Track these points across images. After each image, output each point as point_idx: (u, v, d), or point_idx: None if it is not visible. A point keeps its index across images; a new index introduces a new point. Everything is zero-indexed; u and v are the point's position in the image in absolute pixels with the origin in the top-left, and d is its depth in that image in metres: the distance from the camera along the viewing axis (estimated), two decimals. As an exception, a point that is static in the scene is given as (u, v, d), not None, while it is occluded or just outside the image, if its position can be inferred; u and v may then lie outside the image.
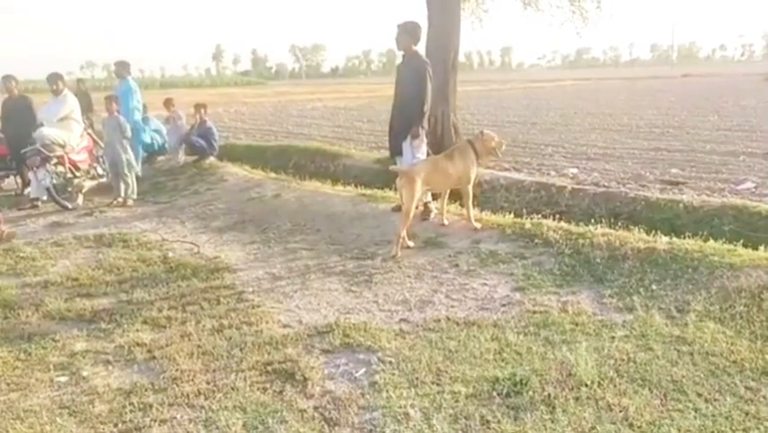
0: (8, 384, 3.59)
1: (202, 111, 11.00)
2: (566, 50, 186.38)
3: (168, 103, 11.70)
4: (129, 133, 8.75)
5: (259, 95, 49.62)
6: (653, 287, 4.62)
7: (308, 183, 8.61)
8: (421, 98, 6.44)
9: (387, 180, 8.99)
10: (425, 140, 6.64)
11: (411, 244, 5.93)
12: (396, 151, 6.81)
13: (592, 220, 6.35)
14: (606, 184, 9.17)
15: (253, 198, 8.30)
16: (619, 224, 6.27)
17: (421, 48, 7.21)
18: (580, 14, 10.39)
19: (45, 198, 8.58)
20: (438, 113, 9.82)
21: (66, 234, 7.17)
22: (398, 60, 7.08)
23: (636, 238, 5.43)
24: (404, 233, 5.83)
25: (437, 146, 9.39)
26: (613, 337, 3.92)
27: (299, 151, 12.45)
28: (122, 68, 10.41)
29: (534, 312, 4.37)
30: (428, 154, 6.71)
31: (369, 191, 7.80)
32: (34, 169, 8.31)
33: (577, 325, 4.13)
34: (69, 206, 8.44)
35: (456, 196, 6.62)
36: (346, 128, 19.89)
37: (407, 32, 6.56)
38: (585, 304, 4.49)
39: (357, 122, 21.38)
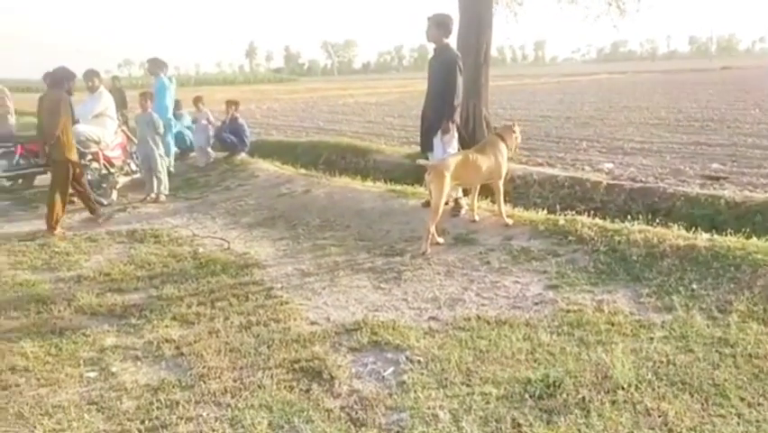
0: (38, 379, 3.62)
1: (233, 108, 11.03)
2: (601, 43, 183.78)
3: (197, 101, 11.68)
4: (161, 130, 8.83)
5: (291, 91, 49.86)
6: (694, 286, 4.45)
7: (338, 179, 8.56)
8: (451, 92, 6.33)
9: (418, 176, 8.88)
10: (455, 135, 6.53)
11: (441, 240, 5.83)
12: (427, 146, 6.71)
13: (628, 217, 6.16)
14: (643, 179, 8.93)
15: (283, 193, 8.29)
16: (657, 220, 6.06)
17: (453, 41, 7.08)
18: (617, 6, 10.07)
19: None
20: (470, 107, 9.69)
21: (100, 229, 7.26)
22: (431, 55, 6.96)
23: (675, 235, 5.24)
24: (433, 229, 5.74)
25: (469, 141, 9.26)
26: (651, 338, 3.78)
27: (330, 146, 12.43)
28: (155, 65, 10.52)
29: (568, 311, 4.25)
30: (459, 149, 6.59)
31: (398, 187, 7.72)
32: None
33: (613, 325, 4.00)
34: (104, 201, 8.54)
35: (487, 191, 6.50)
36: (377, 123, 19.83)
37: (437, 25, 6.45)
38: (621, 303, 4.34)
39: (388, 117, 21.30)
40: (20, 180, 10.07)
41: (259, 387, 3.42)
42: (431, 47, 6.77)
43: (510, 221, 6.08)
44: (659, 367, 3.41)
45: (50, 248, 6.47)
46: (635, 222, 5.73)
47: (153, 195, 8.75)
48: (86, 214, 8.06)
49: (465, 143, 8.51)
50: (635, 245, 5.18)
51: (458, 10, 9.90)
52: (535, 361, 3.58)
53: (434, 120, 6.51)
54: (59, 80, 7.45)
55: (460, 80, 6.37)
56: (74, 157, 7.38)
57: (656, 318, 4.06)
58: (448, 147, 6.45)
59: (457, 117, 6.59)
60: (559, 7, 10.88)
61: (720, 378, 3.27)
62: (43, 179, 9.98)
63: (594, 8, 10.38)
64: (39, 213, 8.33)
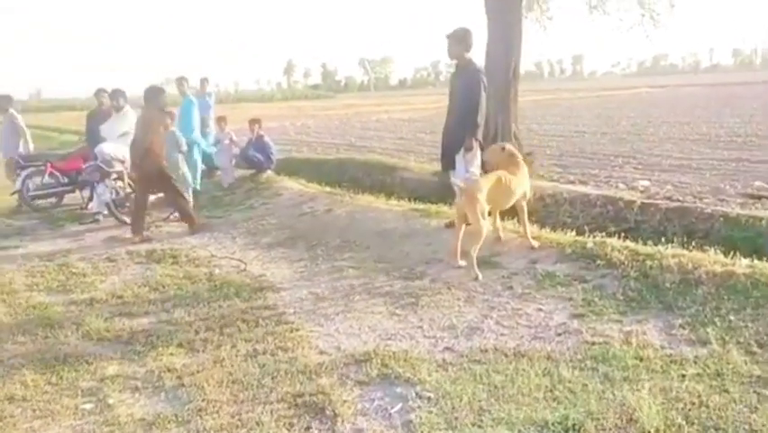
0: (34, 411, 3.50)
1: (256, 126, 10.99)
2: (642, 56, 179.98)
3: (220, 121, 11.63)
4: (185, 148, 8.80)
5: (326, 108, 50.13)
6: (731, 317, 4.11)
7: (361, 197, 8.39)
8: (474, 109, 6.13)
9: (443, 194, 8.67)
10: (478, 153, 6.31)
11: (462, 263, 5.58)
12: (448, 165, 6.50)
13: (663, 239, 5.82)
14: (680, 198, 8.52)
15: (305, 213, 8.16)
16: (694, 243, 5.72)
17: (477, 56, 6.89)
18: (651, 17, 9.69)
19: (105, 212, 8.72)
20: (498, 123, 9.45)
21: (120, 249, 7.22)
22: (452, 71, 6.78)
23: (712, 260, 4.89)
24: (458, 250, 5.50)
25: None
26: (683, 376, 3.47)
27: (357, 164, 12.29)
28: (181, 84, 10.57)
29: (593, 343, 3.96)
30: (483, 167, 6.36)
31: (422, 206, 7.50)
32: (94, 184, 8.45)
33: (641, 360, 3.70)
34: (128, 220, 8.52)
35: (511, 210, 6.22)
36: (408, 140, 19.66)
37: (457, 40, 6.28)
38: (651, 335, 4.04)
39: (420, 133, 21.11)
40: (49, 199, 10.22)
41: (257, 424, 3.24)
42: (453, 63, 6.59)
43: (536, 243, 5.80)
44: (690, 410, 3.11)
45: (69, 268, 6.44)
46: (670, 245, 5.41)
47: (176, 214, 8.70)
48: (110, 233, 8.06)
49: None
50: (668, 271, 4.85)
51: (486, 25, 9.70)
52: (555, 399, 3.31)
53: (456, 137, 6.32)
54: (151, 98, 8.01)
55: (483, 96, 6.16)
56: (165, 170, 7.94)
57: (689, 353, 3.75)
58: (470, 165, 6.23)
59: (480, 135, 6.36)
60: (591, 18, 10.51)
61: (758, 423, 2.96)
62: (72, 198, 10.12)
63: (627, 19, 10.01)
64: (64, 232, 8.41)
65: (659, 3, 9.63)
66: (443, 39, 6.35)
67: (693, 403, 3.17)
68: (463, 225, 5.60)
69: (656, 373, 3.53)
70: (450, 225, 6.65)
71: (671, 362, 3.65)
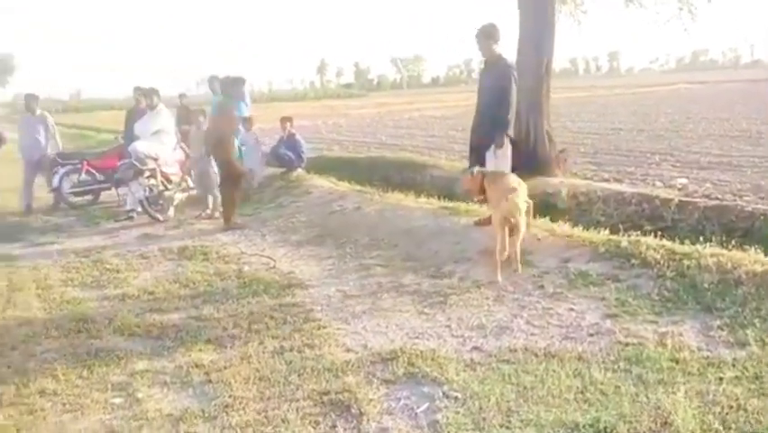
0: (64, 405, 3.54)
1: (288, 124, 11.02)
2: (681, 52, 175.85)
3: (246, 122, 11.66)
4: None
5: (359, 106, 50.20)
6: (772, 319, 3.96)
7: (391, 195, 8.34)
8: (505, 105, 6.03)
9: (475, 192, 8.59)
10: (509, 150, 6.21)
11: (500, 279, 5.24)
12: (475, 161, 6.42)
13: (701, 238, 5.64)
14: (719, 196, 8.28)
15: (335, 210, 8.15)
16: (733, 242, 5.53)
17: (509, 52, 6.78)
18: (688, 10, 9.40)
19: (139, 209, 8.84)
20: (530, 121, 9.30)
21: (153, 246, 7.31)
22: (481, 68, 6.69)
23: (752, 260, 4.71)
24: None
25: (530, 156, 8.89)
26: (720, 379, 3.34)
27: (387, 162, 12.26)
28: (214, 83, 10.66)
29: (627, 344, 3.85)
30: (513, 166, 6.25)
31: (451, 204, 7.42)
32: (128, 181, 8.58)
33: (677, 362, 3.58)
34: (161, 218, 8.65)
35: (540, 210, 6.10)
36: (440, 138, 19.56)
37: (486, 35, 6.19)
38: (688, 337, 3.91)
39: (451, 131, 20.96)
40: (86, 196, 10.41)
41: (283, 421, 3.22)
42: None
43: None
44: (727, 414, 3.00)
45: (103, 264, 6.55)
46: (708, 244, 5.23)
47: (208, 211, 8.80)
48: (144, 230, 8.18)
49: (527, 159, 8.17)
50: (706, 271, 4.70)
51: (518, 21, 9.56)
52: (586, 401, 3.22)
53: (485, 134, 6.23)
54: (229, 87, 8.53)
55: (514, 92, 6.06)
56: (234, 160, 8.31)
57: (727, 355, 3.62)
58: (501, 162, 6.13)
59: (511, 131, 6.26)
60: (627, 12, 10.26)
61: (800, 429, 2.84)
62: (109, 195, 10.30)
63: (663, 12, 9.71)
64: (99, 229, 8.57)
65: None
66: (475, 37, 6.28)
67: (731, 407, 3.05)
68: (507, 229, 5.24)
69: (692, 376, 3.41)
70: (479, 223, 6.58)
71: (708, 364, 3.53)
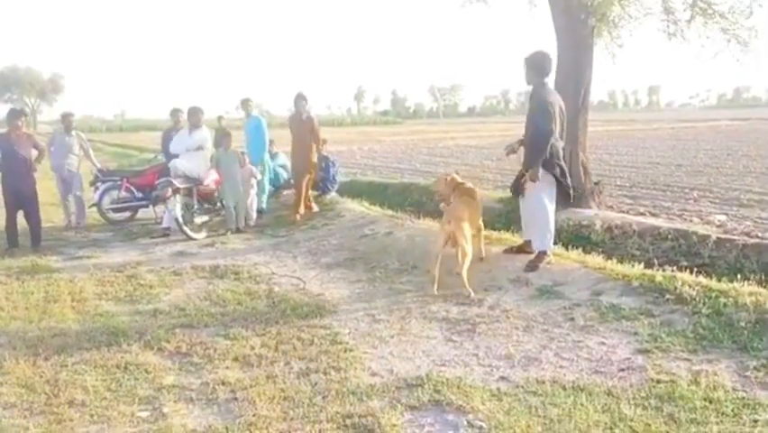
0: (92, 416, 3.59)
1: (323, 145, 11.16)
2: (722, 88, 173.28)
3: (270, 145, 12.09)
4: (259, 177, 9.34)
5: (394, 133, 50.56)
6: (812, 361, 3.83)
7: (422, 221, 8.34)
8: (538, 137, 6.01)
9: (508, 220, 8.53)
10: (553, 181, 6.13)
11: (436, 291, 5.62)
12: (516, 190, 6.42)
13: (738, 276, 5.51)
14: (759, 234, 8.07)
15: (366, 234, 8.17)
16: (773, 281, 5.38)
17: (551, 82, 6.74)
18: (737, 41, 9.14)
19: (175, 227, 8.99)
20: (566, 152, 9.21)
21: (186, 263, 7.42)
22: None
23: (792, 300, 4.58)
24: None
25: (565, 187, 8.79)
26: (755, 421, 3.24)
27: (420, 188, 12.24)
28: (247, 105, 10.90)
29: (659, 381, 3.76)
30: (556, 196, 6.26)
31: (485, 232, 7.36)
32: (165, 199, 8.75)
33: (710, 401, 3.47)
34: (195, 236, 8.77)
35: (573, 241, 6.04)
36: (474, 166, 19.51)
37: (530, 66, 6.17)
38: (723, 376, 3.79)
39: (486, 160, 20.93)
40: (125, 213, 10.65)
41: (305, 442, 3.21)
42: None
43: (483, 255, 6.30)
44: (763, 458, 2.89)
45: (136, 280, 6.66)
46: (746, 282, 5.11)
47: (232, 227, 9.02)
48: (178, 248, 8.31)
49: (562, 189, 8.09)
50: (743, 309, 4.58)
51: (556, 52, 9.55)
52: (614, 438, 3.15)
53: (524, 165, 6.21)
54: (299, 101, 9.73)
55: (547, 123, 6.02)
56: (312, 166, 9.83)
57: (763, 397, 3.50)
58: (542, 194, 6.08)
59: (562, 162, 6.20)
60: (670, 47, 10.09)
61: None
62: (146, 212, 10.51)
63: (709, 46, 9.45)
64: (135, 245, 8.73)
65: (742, 29, 9.08)
66: (514, 67, 6.32)
67: (767, 451, 2.95)
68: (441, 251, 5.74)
69: (726, 417, 3.31)
70: (509, 251, 6.54)
71: (743, 405, 3.41)
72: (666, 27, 9.51)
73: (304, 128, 9.73)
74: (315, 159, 9.90)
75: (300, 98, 9.79)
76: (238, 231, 9.12)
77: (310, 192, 10.19)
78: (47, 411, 3.65)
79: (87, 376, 4.11)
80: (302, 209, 9.80)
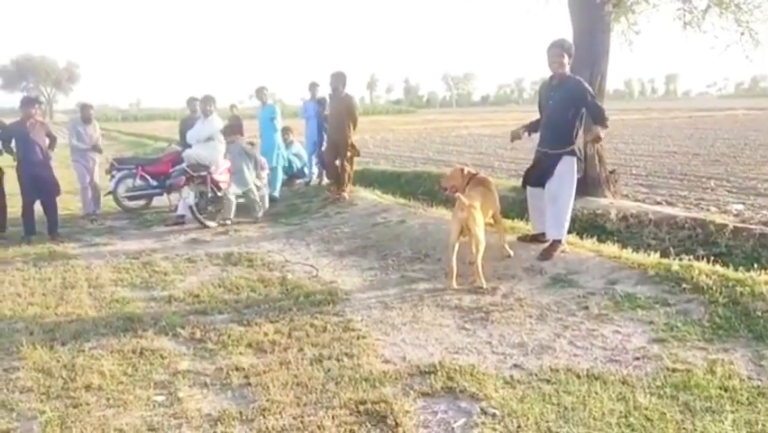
0: (108, 400, 3.63)
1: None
2: (740, 77, 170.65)
3: (286, 131, 12.06)
4: (267, 171, 9.37)
5: (407, 122, 50.38)
6: (830, 351, 3.78)
7: (435, 210, 8.33)
8: (574, 124, 5.97)
9: (522, 209, 8.47)
10: (574, 169, 6.11)
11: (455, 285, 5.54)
12: (529, 180, 6.35)
13: (756, 265, 5.44)
14: (777, 223, 7.96)
15: (379, 223, 8.16)
16: (791, 271, 5.30)
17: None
18: (750, 36, 9.04)
19: (189, 215, 9.04)
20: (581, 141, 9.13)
21: (200, 250, 7.46)
22: (545, 83, 6.55)
23: (810, 289, 4.52)
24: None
25: (582, 176, 8.72)
26: (772, 410, 3.20)
27: (433, 177, 12.18)
28: (262, 93, 10.90)
29: (674, 370, 3.73)
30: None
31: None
32: (180, 187, 8.79)
33: (726, 390, 3.44)
34: (208, 224, 8.82)
35: (587, 230, 5.99)
36: (487, 155, 19.44)
37: (560, 49, 6.05)
38: (739, 365, 3.76)
39: (499, 149, 20.82)
40: (140, 201, 10.72)
41: (318, 427, 3.23)
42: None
43: (511, 252, 6.14)
44: (780, 448, 2.87)
45: (152, 267, 6.71)
46: (763, 272, 5.04)
47: (230, 217, 9.10)
48: (192, 236, 8.35)
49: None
50: (760, 298, 4.53)
51: (571, 38, 9.44)
52: (629, 426, 3.13)
53: (551, 154, 6.10)
54: (338, 84, 9.76)
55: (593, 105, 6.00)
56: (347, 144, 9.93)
57: (780, 387, 3.46)
58: (570, 179, 6.04)
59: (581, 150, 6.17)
60: (685, 36, 9.96)
61: None
62: (161, 200, 10.57)
63: (723, 37, 9.34)
64: (150, 232, 8.79)
65: (758, 21, 8.95)
66: (528, 55, 6.26)
67: (783, 441, 2.92)
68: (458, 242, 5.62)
69: (742, 405, 3.28)
70: (523, 239, 6.50)
71: (758, 394, 3.39)
72: (683, 15, 9.37)
73: (341, 106, 9.92)
74: (350, 137, 9.98)
75: (337, 77, 9.84)
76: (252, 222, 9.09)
77: (324, 180, 10.20)
78: (63, 395, 3.70)
79: (104, 361, 4.15)
80: (349, 187, 10.03)
